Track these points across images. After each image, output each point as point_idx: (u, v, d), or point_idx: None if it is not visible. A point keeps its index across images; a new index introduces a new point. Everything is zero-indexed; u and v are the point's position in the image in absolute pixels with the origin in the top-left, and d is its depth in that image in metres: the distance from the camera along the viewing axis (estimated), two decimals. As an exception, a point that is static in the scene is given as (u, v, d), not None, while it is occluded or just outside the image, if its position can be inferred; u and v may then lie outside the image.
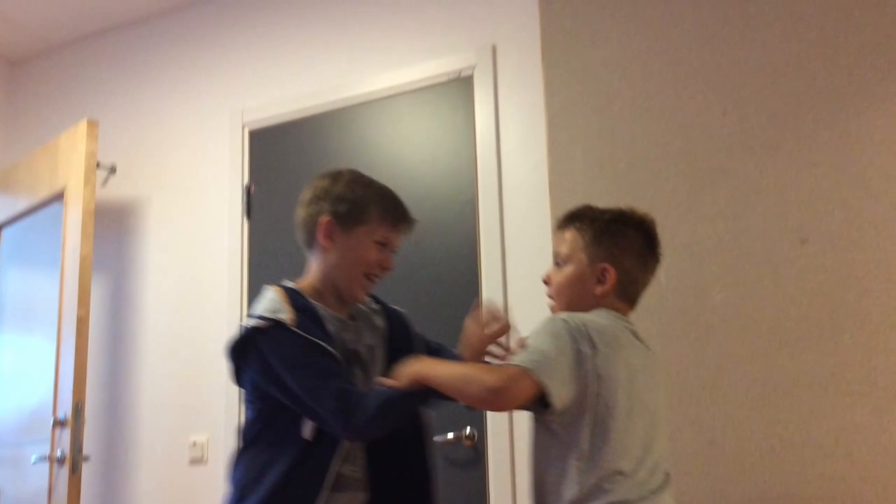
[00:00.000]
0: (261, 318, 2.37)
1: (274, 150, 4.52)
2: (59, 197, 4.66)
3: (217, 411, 4.34)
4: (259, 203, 4.49)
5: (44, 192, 4.78)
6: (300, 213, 2.57)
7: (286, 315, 2.34)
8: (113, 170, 4.95)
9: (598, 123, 3.40)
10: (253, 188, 4.51)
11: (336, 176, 2.59)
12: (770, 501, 2.90)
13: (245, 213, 4.50)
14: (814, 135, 3.05)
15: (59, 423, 4.25)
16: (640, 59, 3.38)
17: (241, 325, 2.45)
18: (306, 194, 2.57)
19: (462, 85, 4.00)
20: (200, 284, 4.59)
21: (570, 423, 2.11)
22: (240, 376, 2.47)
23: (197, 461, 4.38)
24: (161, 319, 4.69)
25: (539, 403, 2.09)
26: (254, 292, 4.31)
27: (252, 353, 2.38)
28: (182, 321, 4.61)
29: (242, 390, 2.51)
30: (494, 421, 3.57)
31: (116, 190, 4.95)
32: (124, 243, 4.90)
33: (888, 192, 2.91)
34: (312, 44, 4.54)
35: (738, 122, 3.18)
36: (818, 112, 3.05)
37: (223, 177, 4.62)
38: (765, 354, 2.98)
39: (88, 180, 4.41)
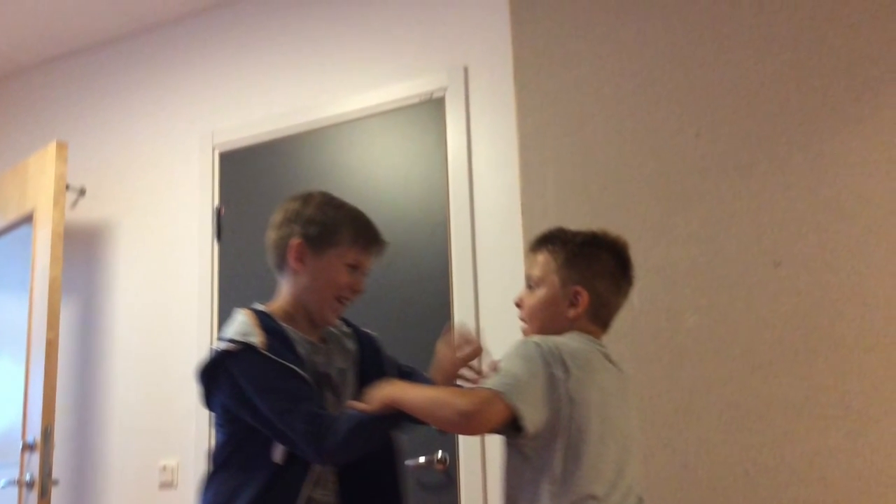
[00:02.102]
0: (231, 341, 2.34)
1: (244, 173, 4.49)
2: (28, 219, 4.61)
3: (187, 435, 4.29)
4: (229, 225, 4.46)
5: (12, 215, 4.74)
6: (270, 235, 2.55)
7: (256, 338, 2.32)
8: (83, 192, 4.89)
9: (570, 145, 3.39)
10: (223, 210, 4.47)
11: (307, 198, 2.57)
12: None
13: (215, 236, 4.46)
14: (787, 157, 3.05)
15: (28, 447, 4.20)
16: (613, 80, 3.37)
17: (211, 349, 2.42)
18: (277, 216, 2.55)
19: (434, 106, 3.97)
20: (170, 307, 4.55)
21: (542, 446, 2.08)
22: (210, 400, 2.44)
23: (167, 485, 4.33)
24: (131, 342, 4.64)
25: (511, 427, 2.06)
26: (224, 315, 4.26)
27: (222, 376, 2.35)
28: (152, 344, 4.56)
29: (212, 414, 2.48)
30: (466, 445, 3.54)
31: (86, 212, 4.90)
32: (94, 266, 4.85)
33: (862, 214, 2.91)
34: (283, 65, 4.51)
35: (711, 144, 3.17)
36: (792, 134, 3.05)
37: (194, 199, 4.58)
38: (738, 378, 2.98)
39: (58, 202, 4.37)
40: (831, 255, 2.93)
